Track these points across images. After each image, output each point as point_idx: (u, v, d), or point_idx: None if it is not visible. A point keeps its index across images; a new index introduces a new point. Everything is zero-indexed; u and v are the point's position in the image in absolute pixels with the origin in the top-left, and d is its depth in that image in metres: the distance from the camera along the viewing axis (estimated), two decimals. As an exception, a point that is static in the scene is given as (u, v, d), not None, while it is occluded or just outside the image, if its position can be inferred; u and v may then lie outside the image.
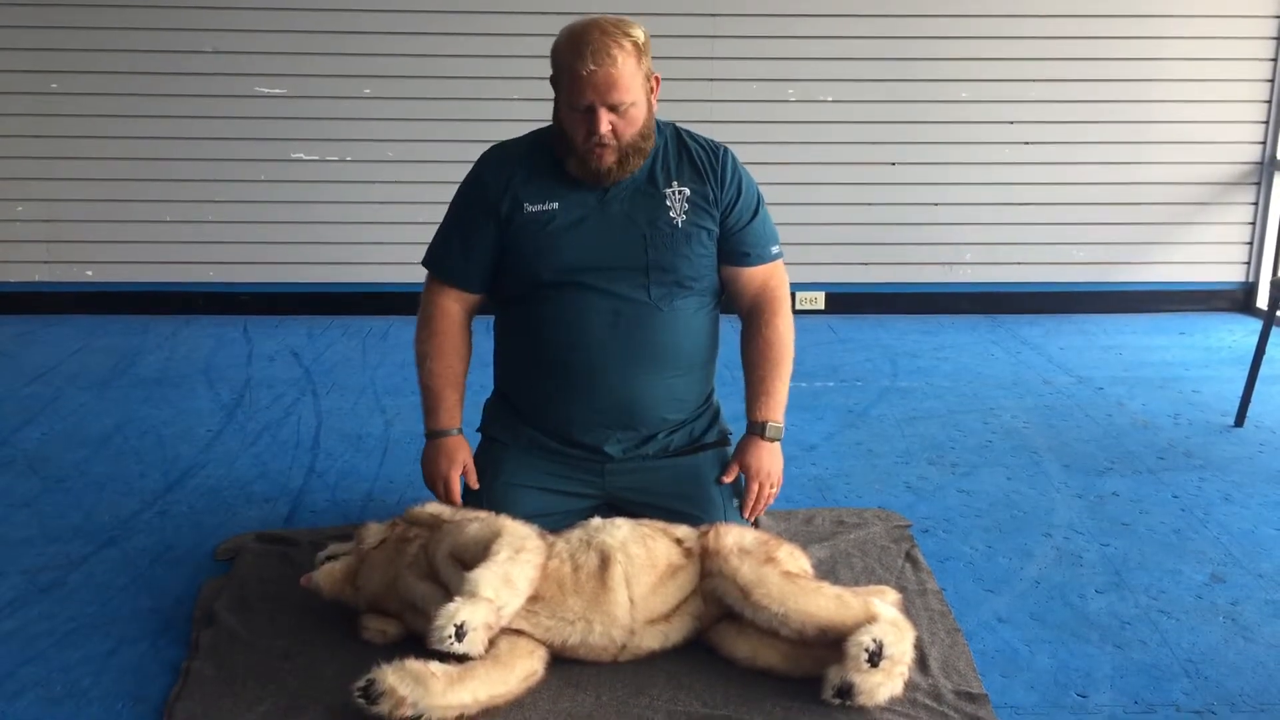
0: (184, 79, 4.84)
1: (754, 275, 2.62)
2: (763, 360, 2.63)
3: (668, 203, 2.50)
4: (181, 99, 4.86)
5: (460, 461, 2.60)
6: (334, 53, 4.86)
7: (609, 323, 2.51)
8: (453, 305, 2.64)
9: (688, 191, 2.51)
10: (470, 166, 2.60)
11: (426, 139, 4.92)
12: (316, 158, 4.95)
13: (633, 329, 2.49)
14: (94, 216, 4.99)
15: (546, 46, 2.46)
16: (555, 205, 2.49)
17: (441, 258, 2.65)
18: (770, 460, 2.60)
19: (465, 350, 2.64)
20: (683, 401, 2.61)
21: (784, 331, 2.64)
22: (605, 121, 2.37)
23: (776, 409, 2.62)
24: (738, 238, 2.57)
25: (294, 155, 4.95)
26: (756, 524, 2.81)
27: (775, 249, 2.64)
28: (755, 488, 2.58)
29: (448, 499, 2.57)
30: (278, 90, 4.88)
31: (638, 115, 2.41)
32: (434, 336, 2.62)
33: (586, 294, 2.51)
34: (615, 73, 2.34)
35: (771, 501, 2.63)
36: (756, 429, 2.60)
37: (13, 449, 3.46)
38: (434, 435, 2.63)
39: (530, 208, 2.49)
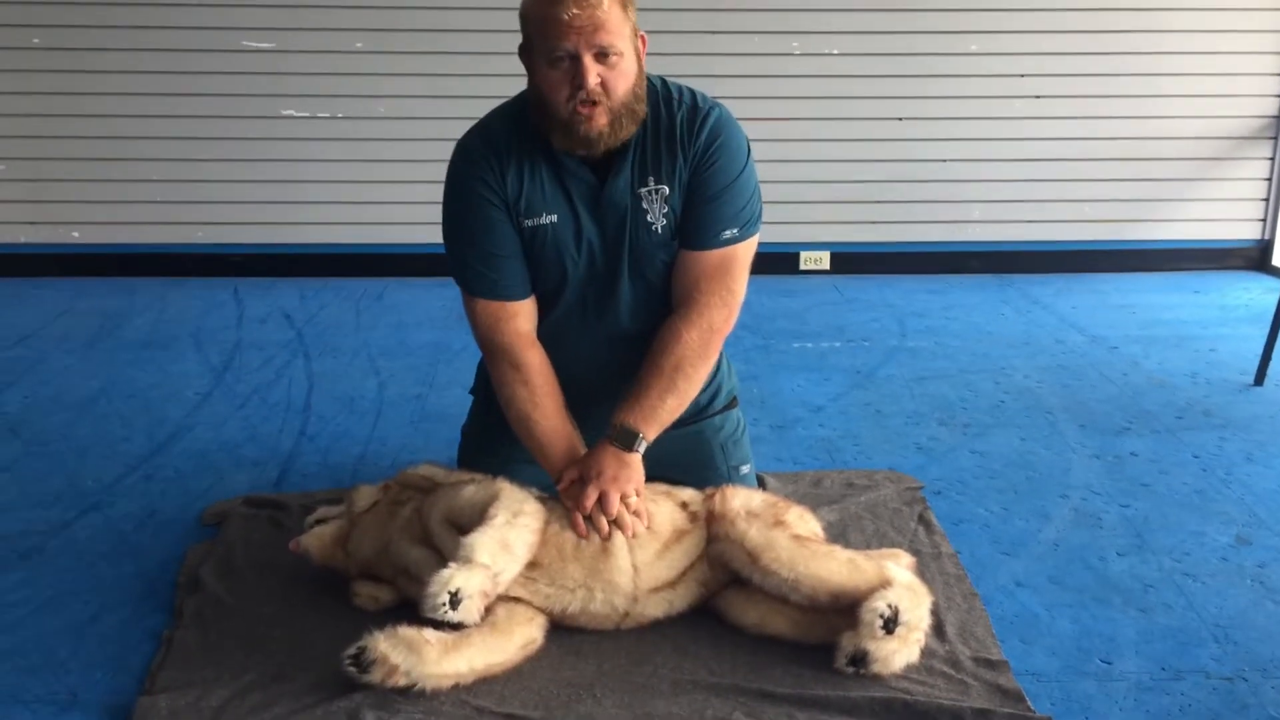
0: (169, 33, 4.70)
1: (692, 261, 2.30)
2: (650, 365, 2.26)
3: (644, 205, 2.25)
4: (167, 53, 4.72)
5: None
6: (323, 5, 4.70)
7: (606, 344, 2.38)
8: (524, 325, 2.32)
9: (665, 190, 2.25)
10: (451, 156, 2.31)
11: (420, 94, 4.79)
12: (307, 114, 4.82)
13: (633, 345, 2.33)
14: (79, 176, 4.86)
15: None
16: (554, 218, 2.26)
17: (484, 276, 2.29)
18: (615, 465, 2.20)
19: (553, 374, 2.33)
20: None
21: (690, 347, 2.26)
22: (593, 72, 2.08)
23: (641, 418, 2.23)
24: (688, 214, 2.27)
25: (284, 112, 4.81)
26: (763, 486, 2.72)
27: (730, 232, 2.28)
28: (591, 490, 2.17)
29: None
30: (266, 44, 4.74)
31: (629, 69, 2.13)
32: (526, 383, 2.28)
33: (584, 315, 2.36)
34: (600, 14, 2.06)
35: (633, 514, 2.19)
36: (610, 431, 2.24)
37: (-6, 412, 3.37)
38: None
39: (528, 222, 2.26)
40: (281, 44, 4.75)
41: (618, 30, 2.10)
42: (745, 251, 2.33)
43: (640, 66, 2.19)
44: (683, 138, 2.25)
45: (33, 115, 4.79)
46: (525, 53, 2.20)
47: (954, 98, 4.90)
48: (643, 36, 2.21)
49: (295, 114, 4.82)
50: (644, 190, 2.26)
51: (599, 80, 2.10)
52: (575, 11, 2.05)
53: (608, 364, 2.40)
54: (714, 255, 2.29)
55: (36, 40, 4.71)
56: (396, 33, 4.75)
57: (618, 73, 2.12)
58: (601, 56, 2.10)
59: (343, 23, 4.73)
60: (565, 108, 2.13)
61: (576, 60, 2.09)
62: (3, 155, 4.82)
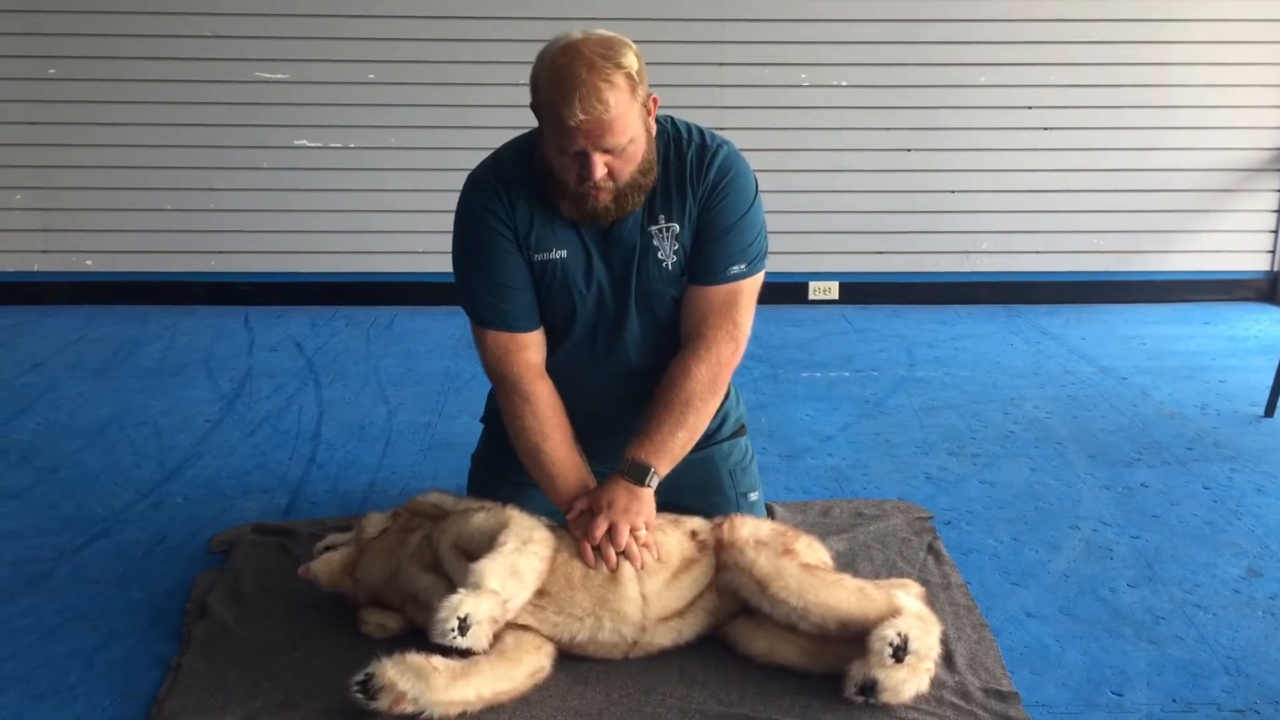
0: (184, 64, 4.74)
1: (699, 296, 2.31)
2: (661, 400, 2.27)
3: (655, 242, 2.27)
4: (181, 84, 4.76)
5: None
6: (337, 37, 4.75)
7: (615, 379, 2.39)
8: (533, 357, 2.33)
9: (676, 228, 2.26)
10: (462, 188, 2.32)
11: (432, 125, 4.82)
12: (319, 144, 4.85)
13: (641, 381, 2.34)
14: (92, 205, 4.89)
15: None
16: (564, 254, 2.27)
17: (494, 307, 2.29)
18: (626, 498, 2.20)
19: (562, 406, 2.32)
20: None
21: (700, 381, 2.26)
22: (600, 165, 2.10)
23: (652, 452, 2.24)
24: (696, 250, 2.29)
25: (296, 142, 4.84)
26: (772, 515, 2.71)
27: (738, 268, 2.29)
28: (601, 521, 2.18)
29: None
30: (279, 75, 4.78)
31: (636, 152, 2.14)
32: (536, 414, 2.27)
33: (593, 351, 2.37)
34: (608, 117, 2.05)
35: (641, 545, 2.18)
36: (622, 466, 2.24)
37: (6, 439, 3.37)
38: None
39: (538, 256, 2.27)
40: (295, 75, 4.79)
41: (624, 126, 2.09)
42: (752, 286, 2.34)
43: (649, 137, 2.20)
44: (692, 176, 2.26)
45: (47, 145, 4.82)
46: (536, 113, 2.19)
47: (962, 129, 4.91)
48: (654, 99, 2.20)
49: (308, 144, 4.85)
50: (654, 229, 2.27)
51: (606, 170, 2.13)
52: (582, 118, 2.05)
53: (616, 399, 2.40)
54: (721, 290, 2.31)
55: (52, 71, 4.75)
56: (409, 64, 4.78)
57: (624, 159, 2.14)
58: (608, 150, 2.11)
59: (355, 54, 4.76)
60: (574, 188, 2.16)
61: (585, 154, 2.11)
62: (18, 184, 4.86)
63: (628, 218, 2.26)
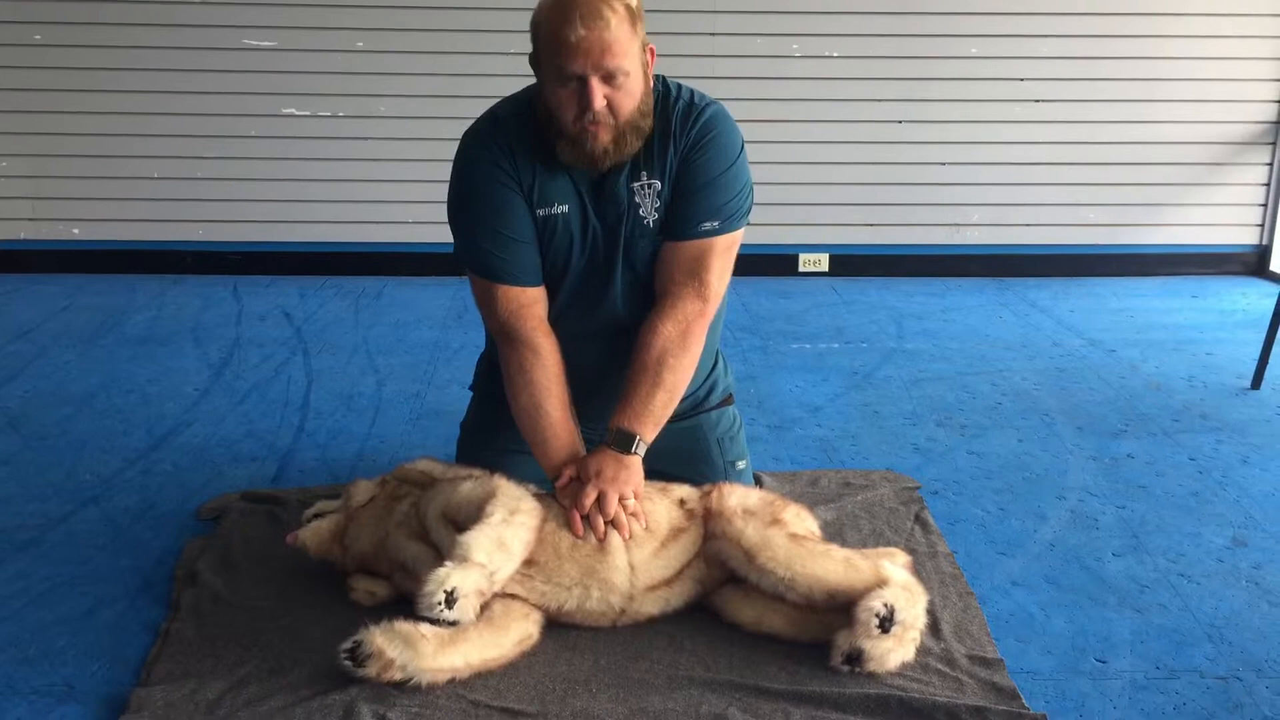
0: (171, 30, 4.70)
1: (670, 251, 2.30)
2: (635, 365, 2.28)
3: (637, 199, 2.27)
4: (169, 51, 4.72)
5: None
6: (325, 4, 4.71)
7: (602, 334, 2.38)
8: (542, 311, 2.33)
9: (657, 184, 2.26)
10: (461, 143, 2.31)
11: (421, 94, 4.79)
12: (308, 113, 4.82)
13: (629, 335, 2.33)
14: (80, 173, 4.86)
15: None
16: (565, 208, 2.27)
17: (505, 262, 2.28)
18: (614, 467, 2.20)
19: (564, 367, 2.31)
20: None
21: (668, 339, 2.27)
22: (599, 95, 2.10)
23: (634, 419, 2.24)
24: (672, 205, 2.28)
25: (284, 110, 4.82)
26: (760, 485, 2.72)
27: (710, 224, 2.28)
28: (590, 490, 2.17)
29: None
30: (267, 43, 4.74)
31: (635, 88, 2.15)
32: (545, 369, 2.27)
33: (582, 304, 2.36)
34: (609, 36, 2.07)
35: (629, 514, 2.18)
36: (607, 436, 2.25)
37: (-7, 407, 3.37)
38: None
39: (540, 211, 2.27)
40: (283, 42, 4.75)
41: (624, 51, 2.10)
42: (725, 244, 2.32)
43: (647, 81, 2.21)
44: (676, 132, 2.26)
45: (34, 112, 4.79)
46: (535, 64, 2.20)
47: (953, 101, 4.91)
48: (651, 49, 2.21)
49: (296, 113, 4.82)
50: (636, 185, 2.27)
51: (605, 102, 2.12)
52: (583, 33, 2.06)
53: (603, 353, 2.39)
54: (691, 246, 2.30)
55: (38, 37, 4.71)
56: (398, 32, 4.75)
57: (624, 93, 2.14)
58: (608, 78, 2.11)
59: (344, 22, 4.73)
60: (573, 126, 2.16)
61: (584, 82, 2.11)
62: (4, 152, 4.83)
63: (619, 174, 2.25)
